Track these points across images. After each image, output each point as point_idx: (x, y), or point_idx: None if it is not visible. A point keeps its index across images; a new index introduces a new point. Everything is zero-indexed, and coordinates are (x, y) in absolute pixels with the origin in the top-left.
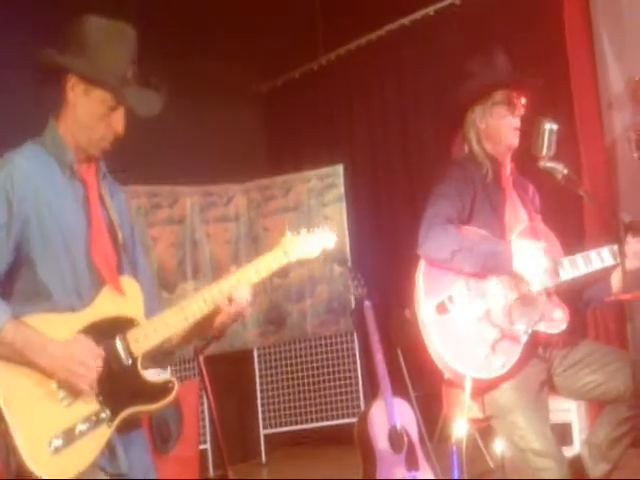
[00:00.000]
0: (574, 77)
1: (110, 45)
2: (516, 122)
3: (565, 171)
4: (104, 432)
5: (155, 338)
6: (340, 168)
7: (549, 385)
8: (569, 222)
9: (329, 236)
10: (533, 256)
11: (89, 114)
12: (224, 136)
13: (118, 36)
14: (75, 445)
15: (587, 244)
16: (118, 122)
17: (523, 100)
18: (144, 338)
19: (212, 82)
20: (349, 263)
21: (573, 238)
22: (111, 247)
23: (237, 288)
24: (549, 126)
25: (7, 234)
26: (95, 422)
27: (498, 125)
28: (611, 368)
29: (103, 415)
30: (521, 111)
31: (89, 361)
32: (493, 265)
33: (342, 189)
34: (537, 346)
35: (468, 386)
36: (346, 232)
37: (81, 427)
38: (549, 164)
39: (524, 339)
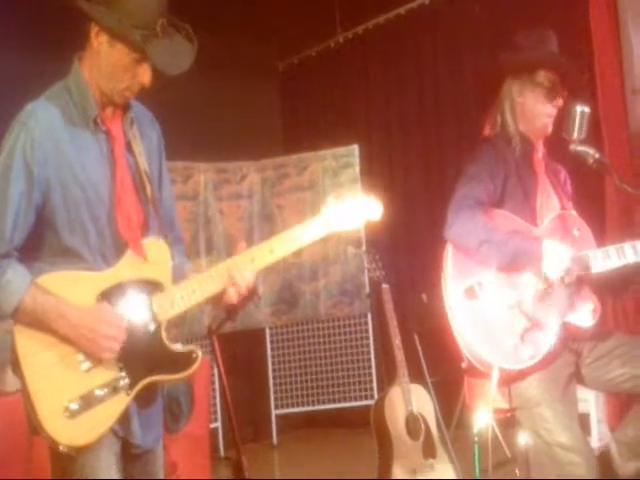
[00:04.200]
0: (599, 63)
1: None
2: (552, 110)
3: (597, 155)
4: (122, 399)
5: (181, 304)
6: (355, 148)
7: (577, 377)
8: (590, 208)
9: (375, 206)
10: (561, 260)
11: (113, 64)
12: (240, 113)
13: None
14: (92, 411)
15: (608, 236)
16: (144, 73)
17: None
18: (169, 304)
19: (229, 59)
20: (364, 245)
21: (594, 225)
22: (137, 205)
23: (239, 268)
24: (580, 109)
25: (28, 202)
26: (114, 389)
27: (534, 106)
28: None
29: (122, 382)
30: (559, 102)
31: (111, 331)
32: (520, 264)
33: (357, 169)
34: (567, 338)
35: (495, 376)
36: None
37: (99, 393)
38: (580, 147)
39: (554, 330)
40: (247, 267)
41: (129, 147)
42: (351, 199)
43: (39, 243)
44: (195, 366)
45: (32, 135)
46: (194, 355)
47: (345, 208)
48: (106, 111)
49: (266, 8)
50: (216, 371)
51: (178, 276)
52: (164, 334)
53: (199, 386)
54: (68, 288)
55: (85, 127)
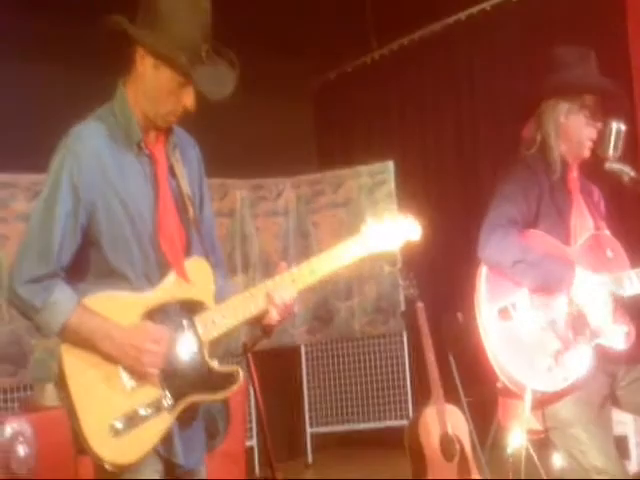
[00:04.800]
0: (637, 81)
1: (183, 17)
2: (594, 134)
3: (632, 173)
4: (165, 419)
5: (222, 325)
6: (391, 164)
7: (612, 399)
8: (631, 228)
9: (414, 227)
10: (590, 292)
11: (158, 88)
12: (275, 129)
13: (192, 7)
14: (136, 430)
15: None
16: (188, 97)
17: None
18: (212, 324)
19: (264, 75)
20: (399, 263)
21: (636, 245)
22: (179, 228)
23: (278, 289)
24: (616, 126)
25: (74, 222)
26: (157, 408)
27: (579, 129)
28: None
29: (165, 401)
30: (600, 125)
31: (154, 346)
32: (551, 286)
33: (393, 186)
34: (601, 360)
35: (528, 398)
36: None
37: (143, 412)
38: (616, 165)
39: (587, 353)
40: (287, 288)
41: (171, 170)
42: (390, 220)
43: (85, 264)
44: (236, 386)
45: (79, 159)
46: (235, 375)
47: (384, 229)
48: (149, 135)
49: (302, 24)
50: (251, 389)
51: (220, 298)
52: (206, 354)
53: (235, 404)
54: (113, 309)
55: (129, 151)
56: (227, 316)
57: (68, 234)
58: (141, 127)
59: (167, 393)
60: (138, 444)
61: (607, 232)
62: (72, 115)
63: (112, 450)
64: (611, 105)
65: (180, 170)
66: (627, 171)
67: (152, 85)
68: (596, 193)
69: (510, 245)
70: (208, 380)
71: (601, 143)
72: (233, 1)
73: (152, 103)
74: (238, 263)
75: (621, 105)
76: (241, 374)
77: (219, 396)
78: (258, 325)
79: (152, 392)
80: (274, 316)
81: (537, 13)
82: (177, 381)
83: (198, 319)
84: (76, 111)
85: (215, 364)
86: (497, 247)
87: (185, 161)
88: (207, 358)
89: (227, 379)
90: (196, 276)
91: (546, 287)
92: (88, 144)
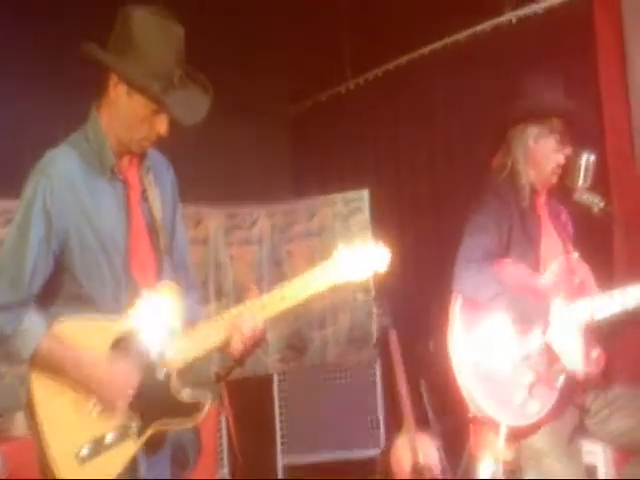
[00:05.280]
0: (606, 109)
1: (156, 44)
2: (562, 160)
3: (601, 204)
4: (131, 446)
5: (191, 352)
6: (365, 193)
7: (581, 429)
8: (597, 256)
9: (384, 256)
10: (566, 332)
11: (132, 115)
12: (250, 157)
13: (165, 35)
14: (102, 456)
15: (616, 283)
16: (162, 124)
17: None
18: (181, 350)
19: (240, 102)
20: (373, 291)
21: (601, 273)
22: (150, 253)
23: (246, 316)
24: (586, 157)
25: (47, 247)
26: (123, 435)
27: (548, 154)
28: None
29: (132, 428)
30: (569, 150)
31: (123, 381)
32: (528, 320)
33: (367, 214)
34: (572, 390)
35: (502, 433)
36: None
37: (109, 439)
38: (585, 196)
39: (560, 383)
40: (256, 315)
41: (144, 195)
42: (361, 247)
43: (56, 288)
44: (203, 414)
45: (52, 184)
46: (202, 403)
47: (355, 256)
48: (123, 160)
49: (278, 52)
50: (223, 418)
51: (189, 319)
52: (174, 381)
53: (206, 433)
54: (84, 335)
55: (102, 175)
56: (196, 343)
57: (41, 261)
58: (115, 152)
59: (134, 420)
60: (104, 471)
61: (576, 255)
62: (45, 141)
63: (78, 476)
64: (579, 133)
65: (153, 194)
66: (597, 202)
67: (126, 112)
68: (564, 214)
69: (486, 281)
70: (175, 408)
71: (571, 174)
72: (210, 26)
73: (126, 129)
74: (211, 291)
75: (588, 133)
76: (208, 403)
77: (186, 424)
78: (228, 353)
79: (119, 419)
80: (240, 344)
81: (508, 44)
82: (144, 408)
83: (167, 346)
84: (49, 137)
85: (184, 392)
86: (473, 282)
87: (159, 184)
88: (174, 386)
89: (194, 407)
90: (166, 302)
91: (522, 321)
92: (61, 170)
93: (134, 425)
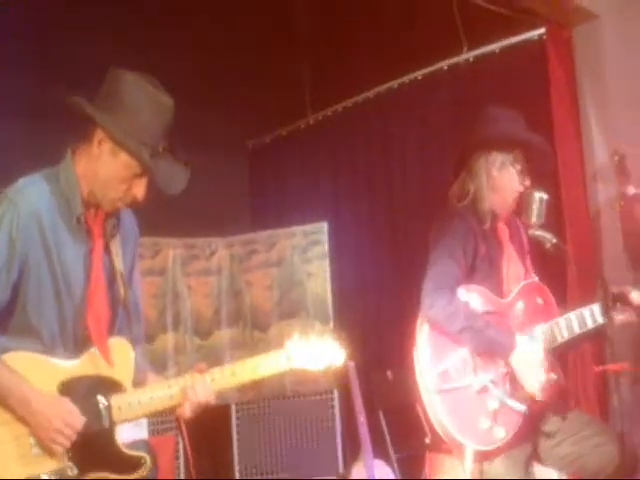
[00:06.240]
0: (560, 149)
1: (147, 112)
2: (521, 189)
3: (554, 240)
4: None
5: (138, 410)
6: (324, 225)
7: (535, 455)
8: (552, 287)
9: (339, 353)
10: (531, 362)
11: (111, 175)
12: (209, 189)
13: (157, 104)
14: None
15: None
16: (140, 188)
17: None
18: (127, 407)
19: (199, 135)
20: (331, 321)
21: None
22: (106, 305)
23: (196, 386)
24: (539, 195)
25: (7, 274)
26: (60, 477)
27: (510, 183)
28: (591, 442)
29: (70, 472)
30: (528, 182)
31: (66, 429)
32: (493, 352)
33: (326, 246)
34: (534, 416)
35: (469, 457)
36: (329, 290)
37: (45, 478)
38: (538, 232)
39: (524, 409)
40: (205, 386)
41: (107, 248)
42: (317, 341)
43: (7, 318)
44: (142, 472)
45: (19, 214)
46: (142, 461)
47: (309, 349)
48: (90, 211)
49: (238, 87)
50: (181, 447)
51: (138, 370)
52: (117, 434)
53: (163, 462)
54: (33, 371)
55: (68, 221)
56: (142, 402)
57: (0, 287)
58: (84, 202)
59: (73, 464)
60: None
61: (536, 278)
62: (12, 167)
63: None
64: (536, 170)
65: (116, 249)
66: (549, 238)
67: (106, 170)
68: (524, 236)
69: (457, 311)
70: (115, 461)
71: (525, 210)
72: (171, 62)
73: (103, 186)
74: (169, 321)
75: (543, 169)
76: (149, 462)
77: (123, 477)
78: (174, 412)
79: (57, 461)
80: (187, 411)
81: (466, 85)
82: (84, 455)
83: (114, 399)
84: (16, 163)
85: (124, 444)
86: (444, 311)
87: (122, 240)
88: (117, 439)
89: (134, 463)
90: (117, 357)
91: (488, 352)
92: (30, 202)
93: (72, 469)
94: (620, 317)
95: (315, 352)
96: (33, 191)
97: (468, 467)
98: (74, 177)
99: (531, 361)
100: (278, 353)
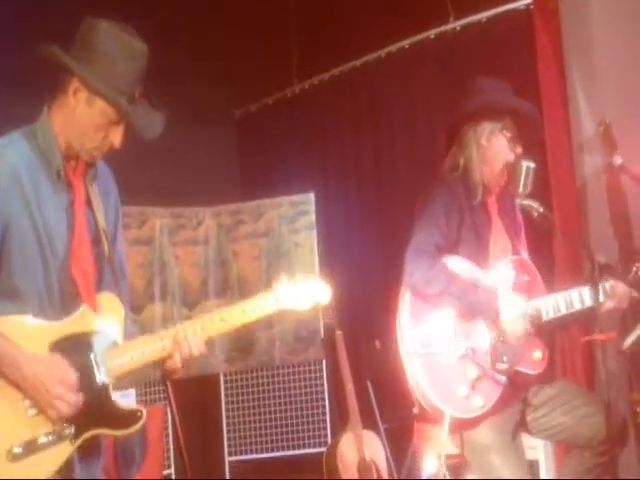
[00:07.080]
0: (547, 119)
1: (122, 59)
2: (512, 158)
3: (541, 209)
4: (65, 449)
5: (131, 364)
6: (312, 196)
7: (523, 425)
8: (539, 259)
9: (324, 291)
10: (516, 311)
11: (88, 123)
12: (197, 159)
13: (131, 51)
14: (34, 457)
15: (556, 282)
16: (116, 135)
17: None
18: (119, 362)
19: (186, 104)
20: None
21: (543, 275)
22: (92, 260)
23: (187, 336)
24: (526, 164)
25: None
26: (58, 437)
27: (499, 152)
28: (580, 412)
29: (67, 432)
30: (519, 150)
31: (61, 390)
32: (478, 313)
33: (313, 217)
34: (516, 387)
35: (446, 423)
36: (316, 260)
37: (43, 440)
38: (525, 202)
39: (503, 379)
40: (196, 336)
41: (88, 202)
42: (303, 281)
43: None
44: (138, 425)
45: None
46: (138, 414)
47: (296, 289)
48: (70, 163)
49: (224, 55)
50: (170, 417)
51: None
52: (111, 390)
53: (152, 432)
54: (21, 334)
55: (48, 177)
56: (134, 354)
57: None
58: (63, 155)
59: (69, 424)
60: (35, 470)
61: (525, 255)
62: None
63: (8, 475)
64: (524, 138)
65: (97, 203)
66: (536, 207)
67: (82, 119)
68: (518, 214)
69: (437, 275)
70: (111, 416)
71: (512, 179)
72: (157, 32)
73: (79, 136)
74: (156, 291)
75: (532, 138)
76: (144, 414)
77: (119, 433)
78: (166, 365)
79: (53, 422)
80: (177, 362)
81: (452, 53)
82: (80, 414)
83: (107, 354)
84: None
85: (120, 401)
86: (424, 276)
87: (102, 193)
88: (111, 395)
89: (130, 417)
90: (107, 311)
91: (472, 314)
92: (9, 163)
93: (69, 428)
94: (609, 304)
95: (302, 292)
96: (12, 152)
97: (445, 433)
98: (51, 131)
99: (515, 324)
100: (266, 295)
